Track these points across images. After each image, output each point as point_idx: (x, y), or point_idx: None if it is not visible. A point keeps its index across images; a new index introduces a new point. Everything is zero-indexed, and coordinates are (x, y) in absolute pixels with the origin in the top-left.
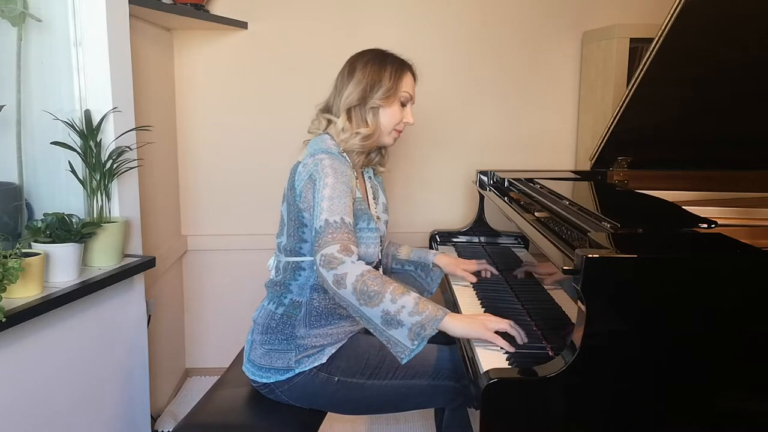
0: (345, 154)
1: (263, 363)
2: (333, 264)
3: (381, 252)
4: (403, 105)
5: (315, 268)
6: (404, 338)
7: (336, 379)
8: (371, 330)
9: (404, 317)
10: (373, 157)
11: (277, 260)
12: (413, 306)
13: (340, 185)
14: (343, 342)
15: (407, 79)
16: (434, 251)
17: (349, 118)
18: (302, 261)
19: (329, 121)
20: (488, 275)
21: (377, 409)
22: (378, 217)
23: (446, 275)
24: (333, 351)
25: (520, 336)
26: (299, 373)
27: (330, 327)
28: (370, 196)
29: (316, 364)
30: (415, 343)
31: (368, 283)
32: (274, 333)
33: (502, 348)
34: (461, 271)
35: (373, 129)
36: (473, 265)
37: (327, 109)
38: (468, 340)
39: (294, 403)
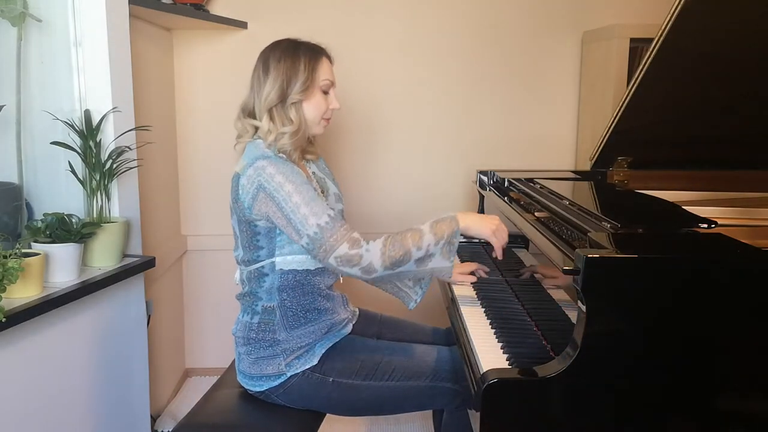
0: (281, 155)
1: (254, 372)
2: (353, 261)
3: None
4: (325, 93)
5: (333, 269)
6: (441, 262)
7: (331, 380)
8: (409, 276)
9: (432, 249)
10: (304, 146)
11: (240, 273)
12: (433, 238)
13: (301, 185)
14: (333, 341)
15: (323, 65)
16: None
17: (272, 119)
18: (262, 267)
19: (256, 127)
20: (482, 274)
21: (375, 411)
22: (331, 209)
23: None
24: (323, 351)
25: (501, 250)
26: (291, 376)
27: (310, 324)
28: (318, 192)
29: (307, 366)
30: (451, 258)
31: (392, 255)
32: (256, 342)
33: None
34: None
35: (298, 124)
36: (465, 267)
37: (249, 112)
38: (468, 340)
39: (291, 406)
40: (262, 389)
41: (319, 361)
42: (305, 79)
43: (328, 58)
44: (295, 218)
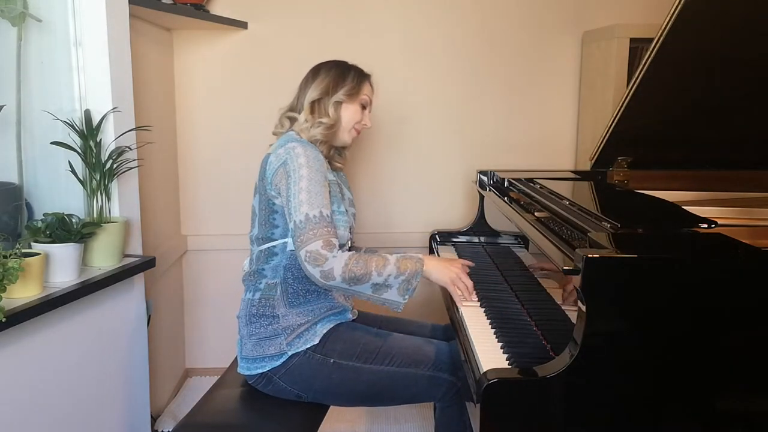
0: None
1: (256, 354)
2: (318, 261)
3: (352, 239)
4: (363, 108)
5: (300, 262)
6: (395, 296)
7: (332, 361)
8: (363, 299)
9: (391, 281)
10: (332, 153)
11: (250, 255)
12: (396, 270)
13: (315, 175)
14: (334, 323)
15: (367, 85)
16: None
17: (312, 111)
18: (274, 246)
19: (292, 120)
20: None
21: (374, 398)
22: (346, 210)
23: None
24: (324, 331)
25: (469, 297)
26: (293, 355)
27: (309, 305)
28: (337, 191)
29: (308, 345)
30: (405, 296)
31: (354, 270)
32: (258, 319)
33: (458, 298)
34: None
35: (335, 120)
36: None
37: (290, 109)
38: (468, 340)
39: (292, 389)
40: (265, 370)
41: (320, 342)
42: (352, 87)
43: (371, 84)
44: (293, 200)
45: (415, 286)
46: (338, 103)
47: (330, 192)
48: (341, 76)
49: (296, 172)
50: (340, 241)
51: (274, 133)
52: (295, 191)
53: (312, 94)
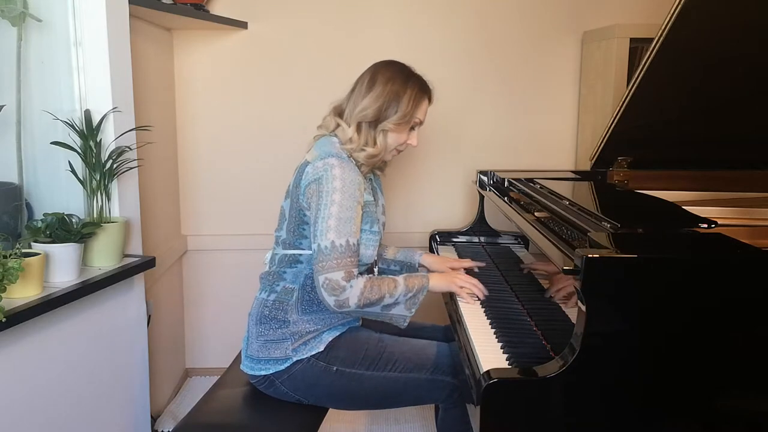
0: (352, 159)
1: (261, 355)
2: (336, 291)
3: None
4: (411, 128)
5: (316, 286)
6: (402, 311)
7: (335, 368)
8: (371, 317)
9: (400, 299)
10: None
11: (273, 253)
12: (404, 289)
13: (348, 201)
14: (341, 331)
15: (424, 106)
16: (420, 251)
17: (359, 131)
18: (300, 254)
19: (338, 125)
20: (476, 270)
21: (376, 403)
22: (377, 219)
23: None
24: (330, 339)
25: (482, 293)
26: (297, 361)
27: (320, 313)
28: (374, 204)
29: (313, 352)
30: (412, 310)
31: (369, 296)
32: (268, 321)
33: (468, 297)
34: (446, 270)
35: (381, 150)
36: (459, 263)
37: (340, 111)
38: (468, 340)
39: (294, 394)
40: (268, 373)
41: (324, 349)
42: (404, 114)
43: (430, 100)
44: (321, 224)
45: (420, 300)
46: (386, 132)
47: (365, 213)
48: (396, 97)
49: (329, 195)
50: (366, 260)
51: (319, 127)
52: (324, 215)
53: (362, 112)
